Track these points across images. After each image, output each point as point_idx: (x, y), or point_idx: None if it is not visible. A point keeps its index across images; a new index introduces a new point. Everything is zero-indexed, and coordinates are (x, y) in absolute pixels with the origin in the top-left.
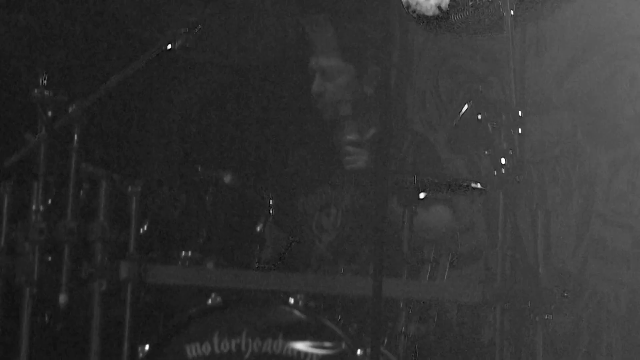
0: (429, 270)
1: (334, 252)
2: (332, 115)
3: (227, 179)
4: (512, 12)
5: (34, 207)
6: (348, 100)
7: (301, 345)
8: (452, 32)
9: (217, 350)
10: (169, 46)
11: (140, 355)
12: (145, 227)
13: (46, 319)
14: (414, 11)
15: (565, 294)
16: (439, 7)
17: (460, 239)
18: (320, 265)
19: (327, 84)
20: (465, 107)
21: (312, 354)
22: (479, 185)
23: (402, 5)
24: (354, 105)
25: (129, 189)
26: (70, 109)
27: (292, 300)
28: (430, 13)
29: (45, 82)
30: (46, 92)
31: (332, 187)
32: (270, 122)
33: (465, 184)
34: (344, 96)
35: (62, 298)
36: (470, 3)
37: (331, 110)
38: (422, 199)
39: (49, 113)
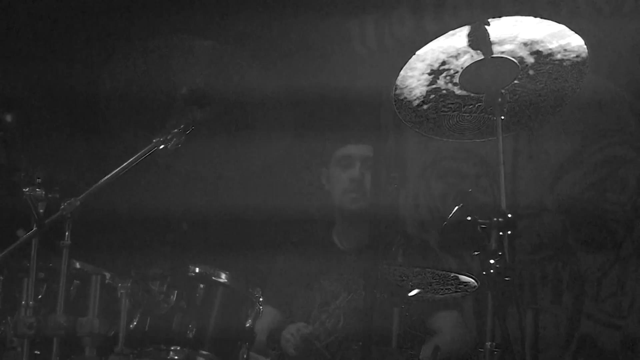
0: None
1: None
2: (353, 206)
3: (222, 278)
4: (502, 118)
5: (23, 302)
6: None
7: None
8: (444, 136)
9: None
10: (162, 146)
11: None
12: (135, 322)
13: None
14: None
15: None
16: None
17: None
18: None
19: (366, 172)
20: (456, 208)
21: None
22: (469, 279)
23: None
24: None
25: (119, 284)
26: (62, 206)
27: None
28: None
29: (39, 180)
30: (38, 190)
31: (329, 285)
32: (264, 220)
33: (454, 276)
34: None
35: None
36: (464, 109)
37: (358, 201)
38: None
39: (41, 210)
